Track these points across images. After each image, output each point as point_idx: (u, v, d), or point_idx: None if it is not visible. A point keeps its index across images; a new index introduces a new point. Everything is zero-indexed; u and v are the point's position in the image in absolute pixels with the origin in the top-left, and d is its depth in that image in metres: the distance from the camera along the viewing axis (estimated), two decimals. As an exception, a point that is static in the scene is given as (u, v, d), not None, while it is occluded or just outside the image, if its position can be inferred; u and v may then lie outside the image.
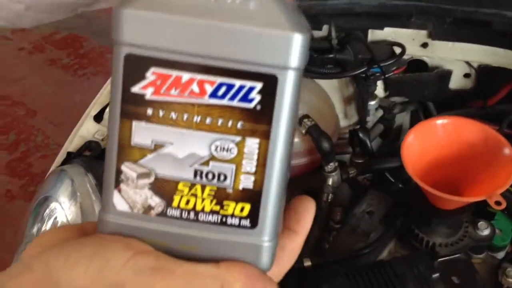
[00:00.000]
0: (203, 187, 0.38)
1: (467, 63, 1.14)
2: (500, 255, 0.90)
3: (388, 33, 1.13)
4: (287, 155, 0.38)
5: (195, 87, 0.36)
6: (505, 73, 1.10)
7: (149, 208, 0.38)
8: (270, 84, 0.36)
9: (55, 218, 0.81)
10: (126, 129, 0.37)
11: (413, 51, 1.14)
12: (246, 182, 0.38)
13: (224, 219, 0.38)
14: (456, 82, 1.17)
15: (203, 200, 0.38)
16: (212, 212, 0.38)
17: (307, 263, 0.81)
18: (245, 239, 0.38)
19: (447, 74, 1.15)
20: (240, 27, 0.35)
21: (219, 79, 0.36)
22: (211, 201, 0.38)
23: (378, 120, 1.15)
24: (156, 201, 0.38)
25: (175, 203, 0.38)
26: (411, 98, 1.20)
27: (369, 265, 0.76)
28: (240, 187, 0.38)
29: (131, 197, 0.38)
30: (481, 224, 0.86)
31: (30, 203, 0.90)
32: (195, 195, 0.38)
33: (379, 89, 1.18)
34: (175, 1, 0.36)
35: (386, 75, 1.11)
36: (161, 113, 0.37)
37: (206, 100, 0.36)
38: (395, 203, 0.92)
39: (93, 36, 3.36)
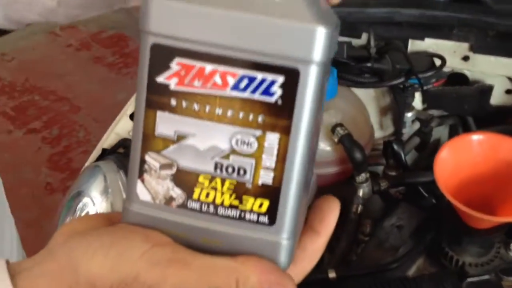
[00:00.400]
0: (223, 181, 0.38)
1: (510, 79, 1.11)
2: (534, 278, 0.87)
3: (429, 44, 1.11)
4: (308, 151, 0.37)
5: (217, 79, 0.36)
6: (549, 91, 1.07)
7: (170, 199, 0.38)
8: (292, 78, 0.36)
9: (87, 212, 0.83)
10: (150, 119, 0.37)
11: (454, 63, 1.11)
12: (266, 177, 0.37)
13: (242, 214, 0.38)
14: (497, 97, 1.14)
15: (222, 194, 0.38)
16: (231, 206, 0.38)
17: (332, 274, 0.80)
18: (263, 236, 0.38)
19: (488, 89, 1.12)
20: (263, 18, 0.35)
21: (241, 71, 0.36)
22: (231, 195, 0.38)
23: (414, 133, 1.13)
24: (177, 193, 0.38)
25: (195, 196, 0.38)
26: (450, 111, 1.17)
27: (394, 280, 0.75)
28: (259, 183, 0.37)
29: (153, 187, 0.38)
30: (514, 245, 0.83)
31: (65, 196, 0.92)
32: (215, 188, 0.38)
33: (417, 101, 1.16)
34: None
35: (425, 87, 1.09)
36: (184, 104, 0.37)
37: (228, 92, 0.36)
38: (427, 218, 0.90)
39: (139, 36, 3.42)
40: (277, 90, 0.36)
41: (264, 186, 0.37)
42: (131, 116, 1.01)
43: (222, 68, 0.36)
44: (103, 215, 0.42)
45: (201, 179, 0.38)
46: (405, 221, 0.89)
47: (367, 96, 1.13)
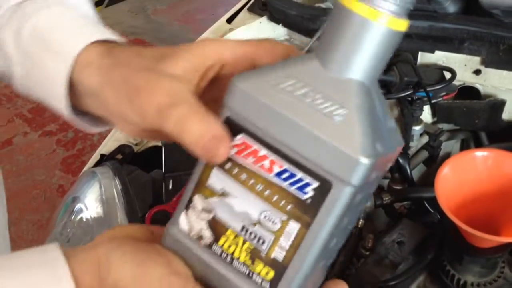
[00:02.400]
0: (244, 241, 0.44)
1: (523, 94, 1.08)
2: (540, 301, 0.84)
3: (439, 57, 1.08)
4: (321, 249, 0.43)
5: (266, 163, 0.43)
6: None
7: (201, 237, 0.46)
8: (324, 187, 0.41)
9: (81, 218, 0.82)
10: (207, 171, 0.45)
11: (465, 77, 1.09)
12: (278, 253, 0.43)
13: (251, 274, 0.44)
14: (510, 113, 1.11)
15: (241, 251, 0.45)
16: (244, 263, 0.45)
17: (327, 289, 0.78)
18: None
19: (500, 104, 1.09)
20: (318, 134, 0.41)
21: (286, 165, 0.42)
22: (246, 255, 0.44)
23: (422, 147, 1.10)
24: (207, 235, 0.45)
25: (220, 243, 0.45)
26: (460, 125, 1.14)
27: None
28: (272, 255, 0.44)
29: (192, 222, 0.46)
30: (519, 266, 0.80)
31: (62, 199, 0.92)
32: (236, 244, 0.45)
33: (427, 114, 1.13)
34: (279, 93, 0.42)
35: (434, 101, 1.06)
36: (235, 170, 0.44)
37: (271, 177, 0.43)
38: (429, 235, 0.87)
39: (159, 42, 3.43)
40: (309, 191, 0.42)
41: (275, 260, 0.43)
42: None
43: (273, 156, 0.43)
44: (146, 227, 0.49)
45: (228, 232, 0.45)
46: (407, 237, 0.86)
47: (374, 108, 1.11)
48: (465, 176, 0.78)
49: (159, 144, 0.91)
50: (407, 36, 1.07)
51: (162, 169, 0.86)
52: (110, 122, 0.51)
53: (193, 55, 0.47)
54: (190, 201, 0.46)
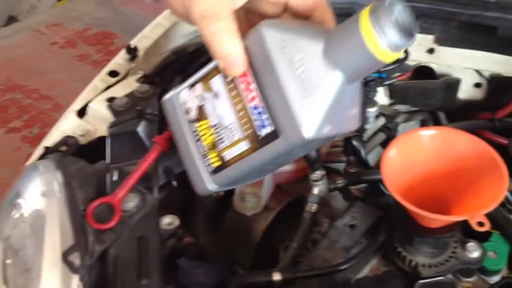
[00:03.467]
0: (211, 133, 0.61)
1: (478, 71, 1.07)
2: (495, 279, 0.83)
3: (392, 36, 1.07)
4: (253, 168, 0.60)
5: (250, 95, 0.57)
6: (517, 83, 1.03)
7: (188, 112, 0.63)
8: (274, 135, 0.56)
9: (22, 214, 0.79)
10: (214, 72, 0.60)
11: (419, 56, 1.08)
12: (227, 155, 0.61)
13: (205, 155, 0.62)
14: (465, 91, 1.10)
15: (207, 138, 0.61)
16: (205, 147, 0.62)
17: (277, 277, 0.76)
18: (205, 173, 0.63)
19: (455, 83, 1.09)
20: (289, 98, 0.54)
21: (261, 106, 0.56)
22: (209, 142, 0.62)
23: (379, 129, 1.09)
24: (193, 113, 0.62)
25: (198, 124, 0.62)
26: (416, 106, 1.13)
27: (334, 285, 0.71)
28: (223, 153, 0.61)
29: (189, 97, 0.63)
30: (471, 245, 0.79)
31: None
32: (207, 131, 0.61)
33: (383, 96, 1.12)
34: (282, 52, 0.55)
35: (388, 82, 1.05)
36: (231, 85, 0.59)
37: (248, 106, 0.58)
38: (381, 217, 0.86)
39: (125, 33, 3.37)
40: (264, 131, 0.57)
41: (223, 157, 0.61)
42: (79, 112, 0.97)
43: (256, 94, 0.57)
44: None
45: (206, 121, 0.61)
46: (359, 220, 0.85)
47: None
48: (412, 155, 0.77)
49: (105, 134, 0.88)
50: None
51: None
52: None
53: None
54: (194, 84, 0.62)
